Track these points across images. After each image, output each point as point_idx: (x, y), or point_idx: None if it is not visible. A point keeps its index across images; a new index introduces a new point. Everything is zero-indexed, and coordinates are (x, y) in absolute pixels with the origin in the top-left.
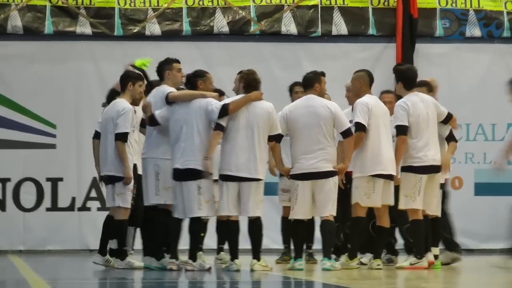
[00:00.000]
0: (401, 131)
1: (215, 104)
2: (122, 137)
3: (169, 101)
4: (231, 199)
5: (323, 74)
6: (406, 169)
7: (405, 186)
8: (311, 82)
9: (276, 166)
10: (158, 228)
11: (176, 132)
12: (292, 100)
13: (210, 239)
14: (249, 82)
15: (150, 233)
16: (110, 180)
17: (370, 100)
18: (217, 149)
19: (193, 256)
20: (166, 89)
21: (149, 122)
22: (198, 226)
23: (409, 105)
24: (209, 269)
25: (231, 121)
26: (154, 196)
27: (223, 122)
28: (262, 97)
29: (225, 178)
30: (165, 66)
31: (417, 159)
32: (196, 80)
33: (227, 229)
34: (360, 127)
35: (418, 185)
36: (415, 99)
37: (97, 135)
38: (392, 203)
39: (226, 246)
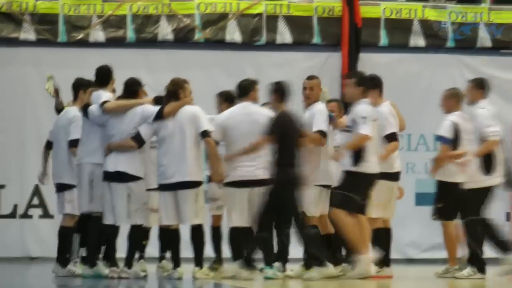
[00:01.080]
0: (395, 137)
1: (150, 108)
2: (75, 144)
3: (104, 112)
4: (169, 208)
5: (256, 82)
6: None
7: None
8: (246, 90)
9: (211, 171)
10: (91, 235)
11: (111, 140)
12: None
13: (153, 247)
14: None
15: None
16: (62, 188)
17: (324, 109)
18: (154, 158)
19: (128, 263)
20: (102, 95)
21: (81, 109)
22: (135, 233)
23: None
24: (144, 277)
25: (161, 130)
26: (89, 204)
27: (144, 134)
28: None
29: (161, 187)
30: (112, 74)
31: (390, 166)
32: (137, 89)
33: (168, 238)
34: (324, 135)
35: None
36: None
37: (48, 145)
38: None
39: (168, 254)
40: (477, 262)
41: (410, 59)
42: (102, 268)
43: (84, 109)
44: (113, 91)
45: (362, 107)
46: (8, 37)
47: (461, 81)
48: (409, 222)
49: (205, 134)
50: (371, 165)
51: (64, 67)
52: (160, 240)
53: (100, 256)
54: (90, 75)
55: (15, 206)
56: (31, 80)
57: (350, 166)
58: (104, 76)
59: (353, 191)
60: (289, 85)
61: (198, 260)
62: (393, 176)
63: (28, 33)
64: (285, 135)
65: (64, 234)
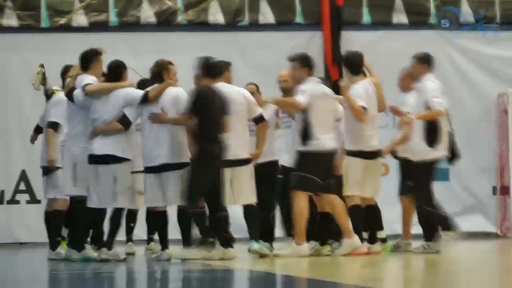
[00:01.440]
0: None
1: (134, 92)
2: (52, 126)
3: (86, 94)
4: (155, 190)
5: (229, 64)
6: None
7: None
8: (220, 70)
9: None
10: (78, 219)
11: (95, 124)
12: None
13: (140, 230)
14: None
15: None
16: (45, 171)
17: None
18: (140, 141)
19: (108, 245)
20: (85, 79)
21: (66, 94)
22: (118, 216)
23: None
24: (124, 260)
25: (145, 112)
26: (71, 188)
27: (130, 116)
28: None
29: (146, 170)
30: (94, 57)
31: (365, 145)
32: (121, 71)
33: (155, 220)
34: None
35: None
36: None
37: (36, 129)
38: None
39: (156, 236)
40: (448, 226)
41: (393, 37)
42: (90, 251)
43: (69, 93)
44: (102, 75)
45: (305, 85)
46: None
47: (445, 58)
48: (396, 199)
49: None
50: (321, 142)
51: (47, 52)
52: (147, 223)
53: (88, 239)
54: (74, 60)
55: (2, 192)
56: (14, 66)
57: (300, 146)
58: (85, 60)
59: (308, 171)
60: (216, 62)
61: (186, 241)
62: (369, 154)
63: (10, 19)
64: (205, 110)
65: (48, 218)
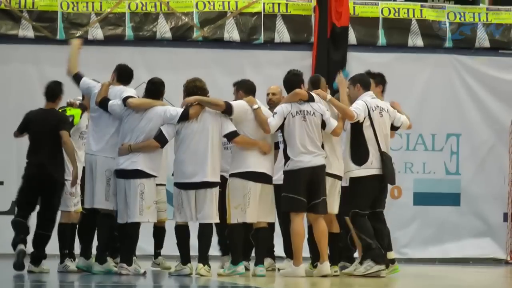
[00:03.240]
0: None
1: (173, 110)
2: None
3: (127, 107)
4: (188, 206)
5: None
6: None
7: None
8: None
9: (259, 146)
10: (103, 232)
11: (128, 138)
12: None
13: (145, 244)
14: (188, 90)
15: (90, 236)
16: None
17: None
18: (164, 156)
19: (128, 260)
20: (124, 90)
21: (99, 103)
22: (136, 230)
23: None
24: (144, 274)
25: (183, 129)
26: (104, 202)
27: (167, 134)
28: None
29: (180, 186)
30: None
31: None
32: (162, 89)
33: (180, 234)
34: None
35: None
36: None
37: None
38: (335, 211)
39: (163, 251)
40: (372, 253)
41: (409, 59)
42: (112, 265)
43: (103, 103)
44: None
45: (279, 106)
46: (7, 34)
47: (459, 81)
48: (407, 222)
49: (232, 135)
50: (297, 161)
51: (63, 64)
52: (155, 237)
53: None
54: (88, 73)
55: (13, 203)
56: (30, 77)
57: (283, 166)
58: (128, 74)
59: (291, 191)
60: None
61: (203, 257)
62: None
63: (26, 30)
64: (30, 132)
65: (60, 230)
